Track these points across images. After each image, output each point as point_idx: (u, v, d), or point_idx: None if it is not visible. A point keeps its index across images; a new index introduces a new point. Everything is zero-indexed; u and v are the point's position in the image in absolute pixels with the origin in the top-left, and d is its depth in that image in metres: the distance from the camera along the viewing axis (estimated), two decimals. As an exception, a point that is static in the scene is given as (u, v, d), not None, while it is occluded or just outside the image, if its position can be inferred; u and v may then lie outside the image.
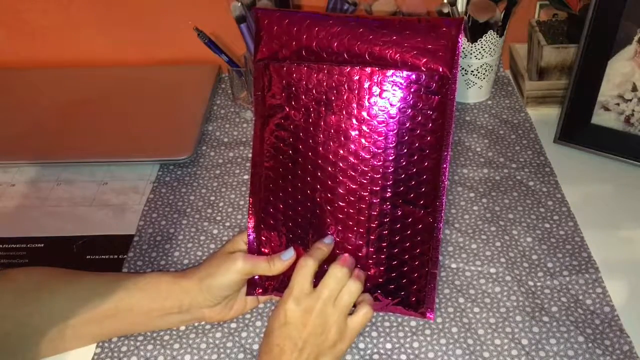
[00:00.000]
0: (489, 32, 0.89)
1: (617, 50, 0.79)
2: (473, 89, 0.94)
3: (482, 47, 0.90)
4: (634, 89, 0.80)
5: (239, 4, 0.83)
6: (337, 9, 0.84)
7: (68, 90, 0.97)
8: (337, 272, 0.55)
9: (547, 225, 0.75)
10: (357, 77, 0.52)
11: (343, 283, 0.55)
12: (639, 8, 0.76)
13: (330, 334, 0.55)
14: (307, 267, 0.55)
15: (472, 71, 0.93)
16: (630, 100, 0.81)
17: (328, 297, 0.55)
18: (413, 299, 0.58)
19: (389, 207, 0.55)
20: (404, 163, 0.54)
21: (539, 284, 0.68)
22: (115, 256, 0.73)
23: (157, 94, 0.97)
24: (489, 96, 0.97)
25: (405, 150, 0.53)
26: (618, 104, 0.82)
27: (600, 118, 0.84)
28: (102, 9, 1.00)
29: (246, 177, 0.83)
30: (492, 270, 0.69)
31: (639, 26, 0.77)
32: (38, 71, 1.03)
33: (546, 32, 0.92)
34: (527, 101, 0.94)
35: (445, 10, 0.85)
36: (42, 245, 0.74)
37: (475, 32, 0.89)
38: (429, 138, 0.53)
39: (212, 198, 0.80)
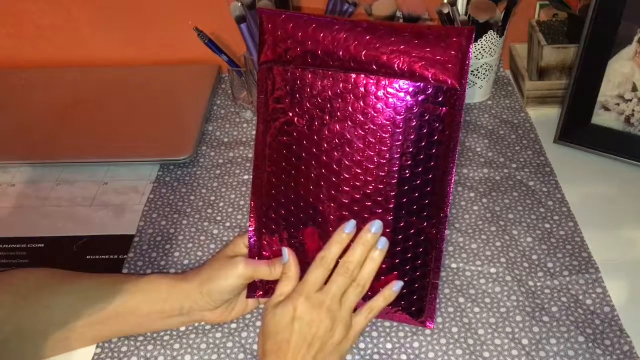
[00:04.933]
0: (489, 32, 0.89)
1: (617, 50, 0.79)
2: (473, 89, 0.94)
3: (482, 47, 0.90)
4: (634, 89, 0.80)
5: (239, 4, 0.82)
6: (337, 9, 0.84)
7: (68, 90, 0.97)
8: (344, 270, 0.55)
9: (547, 225, 0.75)
10: (362, 85, 0.51)
11: (349, 280, 0.55)
12: (639, 8, 0.76)
13: (337, 331, 0.55)
14: (323, 266, 0.56)
15: (472, 71, 0.93)
16: (630, 100, 0.81)
17: (336, 294, 0.55)
18: (413, 308, 0.58)
19: (392, 217, 0.54)
20: (408, 174, 0.53)
21: (539, 284, 0.68)
22: (116, 256, 0.73)
23: (157, 94, 0.97)
24: (489, 96, 0.97)
25: (410, 162, 0.52)
26: (618, 104, 0.82)
27: (600, 118, 0.84)
28: (102, 8, 1.00)
29: (246, 177, 0.83)
30: (492, 270, 0.69)
31: (639, 26, 0.77)
32: (38, 71, 1.03)
33: (546, 32, 0.92)
34: (527, 101, 0.94)
35: (445, 10, 0.85)
36: (42, 245, 0.74)
37: (475, 32, 0.88)
38: (434, 150, 0.52)
39: (212, 198, 0.80)
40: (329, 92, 0.52)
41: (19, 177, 0.85)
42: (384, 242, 0.55)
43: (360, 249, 0.55)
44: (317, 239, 0.57)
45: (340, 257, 0.56)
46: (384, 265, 0.56)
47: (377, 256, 0.55)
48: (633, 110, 0.81)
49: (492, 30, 0.89)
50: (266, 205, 0.58)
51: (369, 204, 0.54)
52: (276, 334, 0.55)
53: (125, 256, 0.72)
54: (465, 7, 0.89)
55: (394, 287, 0.57)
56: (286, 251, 0.58)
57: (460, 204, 0.78)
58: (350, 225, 0.55)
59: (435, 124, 0.52)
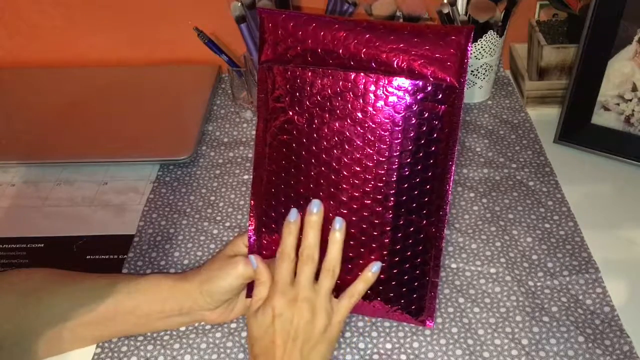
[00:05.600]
0: (489, 32, 0.89)
1: (617, 50, 0.79)
2: (473, 89, 0.94)
3: (482, 47, 0.90)
4: (634, 89, 0.80)
5: (239, 4, 0.83)
6: (337, 9, 0.84)
7: (68, 90, 0.97)
8: (305, 257, 0.55)
9: (547, 225, 0.75)
10: (362, 83, 0.51)
11: (314, 265, 0.55)
12: (639, 8, 0.76)
13: (319, 320, 0.55)
14: (284, 259, 0.55)
15: (472, 71, 0.93)
16: (630, 100, 0.81)
17: (306, 283, 0.55)
18: (413, 307, 0.58)
19: (392, 215, 0.54)
20: (407, 172, 0.53)
21: (539, 284, 0.68)
22: (116, 256, 0.73)
23: (157, 94, 0.97)
24: (489, 96, 0.97)
25: (409, 160, 0.52)
26: (618, 104, 0.82)
27: (600, 118, 0.84)
28: (102, 8, 1.00)
29: (246, 177, 0.83)
30: (492, 270, 0.69)
31: (639, 26, 0.77)
32: (38, 71, 1.03)
33: (546, 32, 0.92)
34: (527, 101, 0.94)
35: (446, 10, 0.85)
36: (42, 245, 0.74)
37: (475, 32, 0.88)
38: (433, 148, 0.52)
39: (212, 198, 0.80)
40: (329, 91, 0.53)
41: (19, 177, 0.85)
42: (340, 222, 0.55)
43: (311, 232, 0.55)
44: None
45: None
46: (383, 264, 0.56)
47: (338, 237, 0.55)
48: (633, 110, 0.81)
49: (492, 30, 0.89)
50: (266, 204, 0.58)
51: (369, 202, 0.54)
52: (261, 338, 0.55)
53: (125, 256, 0.72)
54: (465, 7, 0.89)
55: (373, 269, 0.56)
56: (253, 258, 0.58)
57: (460, 204, 0.78)
58: (292, 214, 0.56)
59: (434, 122, 0.52)
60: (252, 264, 0.58)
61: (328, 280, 0.56)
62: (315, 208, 0.55)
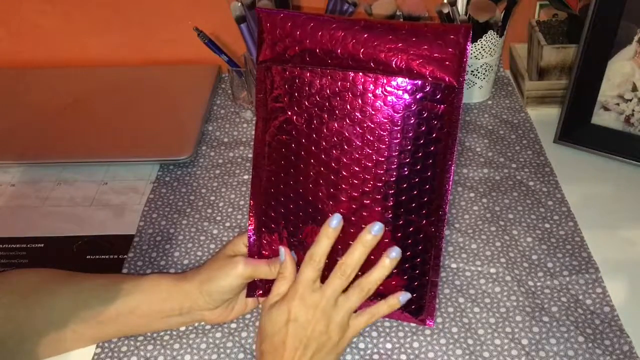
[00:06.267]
0: (489, 32, 0.89)
1: (617, 50, 0.79)
2: (473, 89, 0.94)
3: (482, 47, 0.90)
4: (634, 89, 0.80)
5: (239, 4, 0.83)
6: (337, 9, 0.84)
7: (68, 90, 0.97)
8: (341, 272, 0.55)
9: (547, 225, 0.75)
10: (361, 83, 0.51)
11: (346, 282, 0.55)
12: (638, 8, 0.76)
13: (334, 333, 0.55)
14: (313, 265, 0.55)
15: (472, 71, 0.93)
16: (630, 100, 0.81)
17: (331, 296, 0.55)
18: (413, 306, 0.58)
19: (391, 215, 0.54)
20: (406, 172, 0.53)
21: (539, 284, 0.68)
22: (116, 256, 0.73)
23: (157, 94, 0.97)
24: (489, 96, 0.97)
25: (409, 160, 0.52)
26: (618, 104, 0.82)
27: (600, 118, 0.84)
28: (102, 9, 1.00)
29: (246, 177, 0.83)
30: (492, 270, 0.69)
31: (639, 26, 0.77)
32: (38, 71, 1.03)
33: (546, 32, 0.92)
34: (527, 101, 0.94)
35: (445, 10, 0.85)
36: (42, 245, 0.74)
37: (475, 32, 0.89)
38: (432, 147, 0.52)
39: (212, 198, 0.80)
40: (328, 91, 0.52)
41: (19, 177, 0.85)
42: (397, 252, 0.54)
43: (360, 250, 0.54)
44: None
45: (332, 254, 0.56)
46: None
47: (387, 264, 0.55)
48: (633, 110, 0.81)
49: (492, 30, 0.89)
50: (265, 204, 0.58)
51: (368, 202, 0.54)
52: (272, 336, 0.55)
53: (125, 256, 0.72)
54: (465, 7, 0.89)
55: (401, 297, 0.56)
56: (283, 250, 0.57)
57: (460, 204, 0.78)
58: (335, 220, 0.55)
59: (433, 121, 0.52)
60: (280, 256, 0.57)
61: (358, 299, 0.55)
62: (374, 230, 0.54)
